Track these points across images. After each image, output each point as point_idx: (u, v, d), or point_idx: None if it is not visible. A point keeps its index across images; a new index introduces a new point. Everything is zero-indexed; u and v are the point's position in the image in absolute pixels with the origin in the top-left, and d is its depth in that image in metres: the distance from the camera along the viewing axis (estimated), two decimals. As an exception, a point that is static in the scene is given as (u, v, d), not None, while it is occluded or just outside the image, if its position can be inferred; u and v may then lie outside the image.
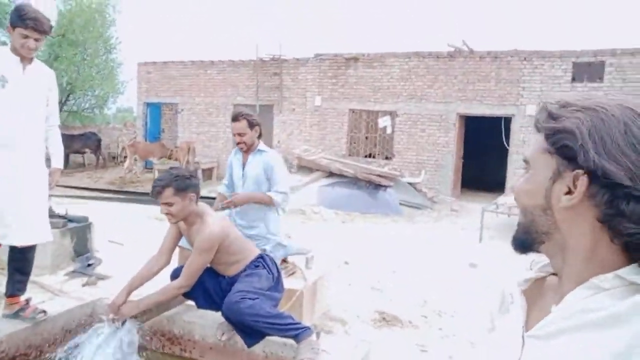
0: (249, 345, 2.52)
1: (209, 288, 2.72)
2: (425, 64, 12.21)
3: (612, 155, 0.63)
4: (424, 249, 6.93)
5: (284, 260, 3.95)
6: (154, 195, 2.56)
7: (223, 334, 2.67)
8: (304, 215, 9.07)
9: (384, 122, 12.76)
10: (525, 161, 0.77)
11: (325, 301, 4.37)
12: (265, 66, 14.10)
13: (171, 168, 2.67)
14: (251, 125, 3.36)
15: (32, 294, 3.99)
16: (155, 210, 5.91)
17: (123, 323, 2.52)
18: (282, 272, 3.82)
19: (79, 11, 17.66)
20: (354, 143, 13.36)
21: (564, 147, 0.68)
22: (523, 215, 0.76)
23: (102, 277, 4.49)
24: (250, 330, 2.45)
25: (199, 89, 15.12)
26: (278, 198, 3.34)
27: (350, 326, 3.95)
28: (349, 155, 13.00)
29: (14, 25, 2.76)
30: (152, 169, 13.99)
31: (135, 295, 2.69)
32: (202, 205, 2.70)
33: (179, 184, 2.52)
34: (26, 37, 2.75)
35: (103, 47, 19.51)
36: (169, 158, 13.51)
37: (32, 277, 4.49)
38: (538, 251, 0.76)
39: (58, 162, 3.18)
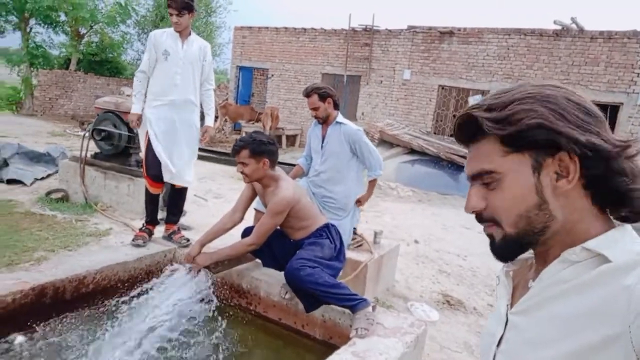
0: (308, 310, 2.64)
1: (275, 249, 2.87)
2: (526, 42, 11.40)
3: (583, 128, 0.68)
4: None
5: (354, 232, 4.02)
6: (232, 154, 2.74)
7: (286, 293, 2.81)
8: (379, 190, 9.06)
9: (474, 101, 12.19)
10: (488, 173, 0.72)
11: (391, 277, 4.41)
12: (357, 36, 13.96)
13: (254, 132, 2.80)
14: (322, 98, 3.39)
15: (126, 235, 4.47)
16: (237, 170, 6.22)
17: (197, 272, 2.75)
18: (350, 244, 3.92)
19: (185, -26, 18.45)
20: (440, 121, 12.94)
21: (538, 141, 0.68)
22: (514, 225, 0.72)
23: (185, 227, 4.86)
24: (309, 297, 2.56)
25: (290, 56, 15.36)
26: (378, 176, 3.59)
27: (412, 304, 3.96)
28: (434, 133, 12.64)
29: (167, 7, 3.41)
30: (240, 130, 14.61)
31: (210, 248, 2.91)
32: (279, 171, 2.83)
33: (255, 148, 2.66)
34: (171, 14, 3.35)
35: (204, 10, 20.37)
36: (257, 121, 14.00)
37: (126, 221, 5.00)
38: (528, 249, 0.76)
39: (210, 120, 3.77)
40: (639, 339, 0.59)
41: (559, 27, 11.04)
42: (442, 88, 12.73)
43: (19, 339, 2.44)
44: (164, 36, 3.49)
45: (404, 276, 4.60)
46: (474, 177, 0.74)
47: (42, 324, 2.55)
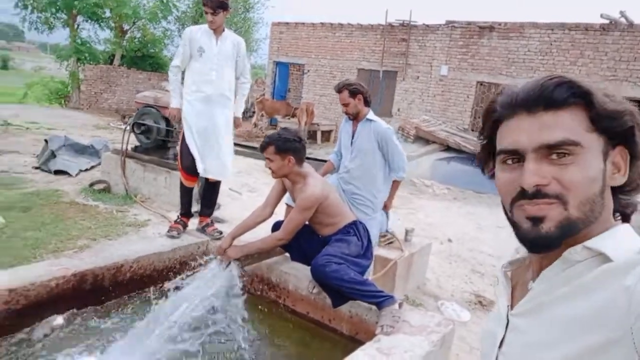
0: (334, 306, 2.67)
1: (303, 244, 2.92)
2: (570, 37, 10.99)
3: None
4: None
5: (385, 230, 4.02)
6: (260, 150, 2.80)
7: (314, 287, 2.84)
8: (414, 187, 8.98)
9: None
10: (574, 144, 0.67)
11: (422, 275, 4.38)
12: (393, 31, 13.82)
13: (282, 129, 2.85)
14: (353, 94, 3.38)
15: (163, 226, 4.62)
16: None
17: (228, 264, 2.83)
18: (380, 241, 3.92)
19: (225, -29, 18.76)
20: (478, 118, 12.66)
21: (618, 129, 0.68)
22: (580, 207, 0.68)
23: (219, 220, 4.97)
24: (336, 292, 2.59)
25: (326, 51, 15.37)
26: (401, 178, 3.57)
27: (442, 303, 3.93)
28: (472, 130, 12.40)
29: (203, 5, 3.50)
30: (275, 126, 14.75)
31: (241, 241, 2.98)
32: (307, 167, 2.87)
33: (280, 145, 2.72)
34: (206, 13, 3.44)
35: (243, 6, 20.64)
36: (293, 117, 14.10)
37: (163, 212, 5.15)
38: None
39: (238, 111, 3.87)
40: None
41: (606, 21, 10.59)
42: (481, 84, 12.46)
43: (59, 320, 2.57)
44: (199, 33, 3.58)
45: (436, 275, 4.56)
46: (550, 147, 0.67)
47: (82, 309, 2.69)
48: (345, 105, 3.41)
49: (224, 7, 3.45)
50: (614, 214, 0.74)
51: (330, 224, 2.86)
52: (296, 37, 16.13)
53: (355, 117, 3.47)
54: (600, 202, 0.69)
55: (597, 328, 0.62)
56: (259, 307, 3.00)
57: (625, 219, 0.75)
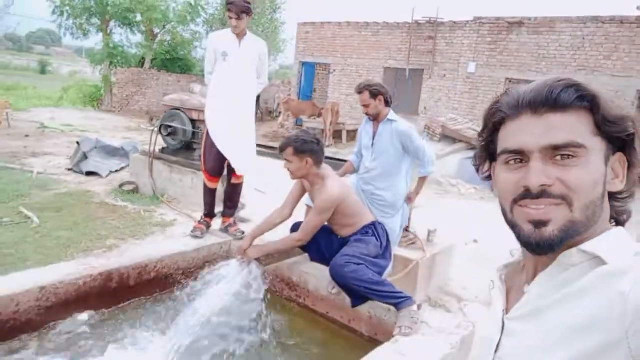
0: (353, 306, 2.68)
1: (322, 244, 2.94)
2: (604, 30, 10.64)
3: None
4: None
5: (406, 229, 4.00)
6: (279, 151, 2.83)
7: (334, 287, 2.86)
8: (439, 187, 8.87)
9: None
10: (579, 146, 0.67)
11: (445, 275, 4.33)
12: (420, 29, 13.68)
13: (301, 130, 2.87)
14: (373, 95, 3.38)
15: (189, 226, 4.71)
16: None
17: (248, 264, 2.87)
18: (402, 241, 3.90)
19: (251, -27, 18.99)
20: (507, 115, 12.42)
21: (621, 134, 0.69)
22: (584, 210, 0.68)
23: (243, 220, 5.04)
24: (355, 293, 2.60)
25: (352, 51, 15.33)
26: (429, 173, 3.56)
27: (465, 304, 3.88)
28: (500, 128, 12.15)
29: (227, 11, 3.60)
30: (301, 126, 14.81)
31: (261, 242, 3.02)
32: (326, 169, 2.88)
33: (298, 147, 2.75)
34: (230, 18, 3.52)
35: (270, 7, 20.81)
36: (318, 117, 14.14)
37: (189, 212, 5.26)
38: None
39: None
40: (637, 344, 0.58)
41: (642, 14, 10.22)
42: (510, 81, 12.19)
43: (85, 317, 2.67)
44: (223, 37, 3.67)
45: (460, 275, 4.50)
46: (555, 148, 0.68)
47: (108, 307, 2.78)
48: (366, 106, 3.41)
49: (248, 12, 3.53)
50: (609, 220, 0.74)
51: (349, 224, 2.87)
52: (322, 37, 16.15)
53: (375, 118, 3.46)
54: (600, 206, 0.70)
55: (593, 332, 0.62)
56: (280, 306, 3.04)
57: (619, 225, 0.75)
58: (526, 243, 0.71)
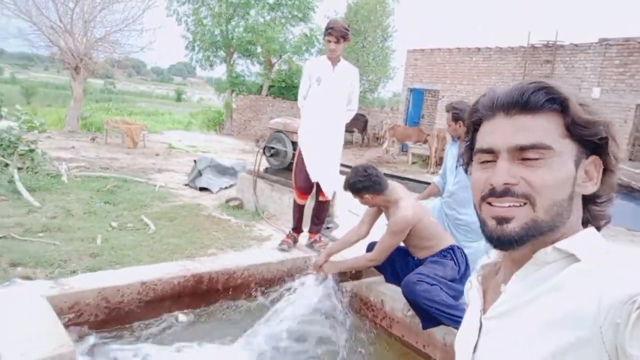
0: (424, 327, 2.62)
1: (397, 265, 2.93)
2: None
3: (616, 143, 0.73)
4: None
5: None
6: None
7: (409, 310, 2.83)
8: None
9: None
10: (546, 148, 0.69)
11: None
12: (537, 53, 12.95)
13: (352, 169, 2.96)
14: (455, 119, 3.32)
15: (279, 239, 4.98)
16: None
17: (324, 279, 2.97)
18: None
19: (363, 3, 19.63)
20: (638, 145, 11.15)
21: (592, 138, 0.70)
22: (548, 210, 0.69)
23: (333, 239, 5.17)
24: (426, 314, 2.55)
25: (462, 76, 14.98)
26: None
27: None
28: (629, 159, 10.94)
29: (324, 36, 3.70)
30: (406, 152, 14.73)
31: (337, 258, 3.11)
32: (396, 191, 2.89)
33: (353, 189, 2.88)
34: (329, 42, 3.64)
35: (381, 36, 21.22)
36: (424, 142, 13.97)
37: (284, 229, 5.53)
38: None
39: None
40: (610, 340, 0.59)
41: None
42: (642, 107, 10.98)
43: (181, 317, 2.97)
44: (317, 64, 3.87)
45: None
46: (521, 149, 0.69)
47: (198, 306, 3.06)
48: (449, 126, 3.38)
49: (345, 37, 3.67)
50: (587, 225, 0.74)
51: (426, 247, 2.83)
52: (431, 64, 16.03)
53: (460, 139, 3.41)
54: (568, 208, 0.71)
55: (568, 328, 0.63)
56: (357, 325, 3.07)
57: (599, 231, 0.74)
58: (489, 238, 0.73)
